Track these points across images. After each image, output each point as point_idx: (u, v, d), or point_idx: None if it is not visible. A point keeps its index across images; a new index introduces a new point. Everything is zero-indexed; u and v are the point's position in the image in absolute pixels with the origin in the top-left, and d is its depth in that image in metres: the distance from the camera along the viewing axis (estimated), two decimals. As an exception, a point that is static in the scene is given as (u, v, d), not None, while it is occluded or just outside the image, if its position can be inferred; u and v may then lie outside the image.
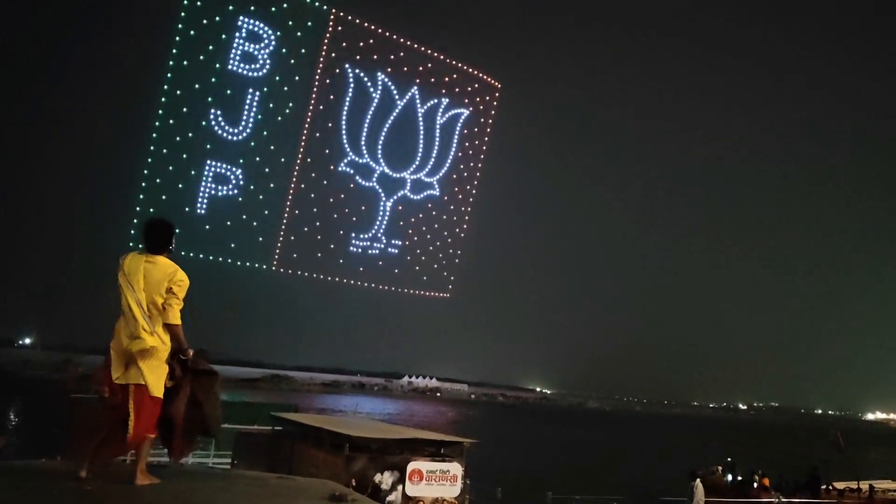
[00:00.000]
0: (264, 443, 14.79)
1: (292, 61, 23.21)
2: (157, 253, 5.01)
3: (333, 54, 23.86)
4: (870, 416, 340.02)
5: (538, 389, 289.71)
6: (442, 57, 26.55)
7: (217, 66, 21.43)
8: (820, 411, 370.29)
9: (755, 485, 22.70)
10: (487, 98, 28.19)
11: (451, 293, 27.71)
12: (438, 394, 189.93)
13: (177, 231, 5.24)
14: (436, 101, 26.68)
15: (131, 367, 4.76)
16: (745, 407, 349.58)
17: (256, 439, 15.27)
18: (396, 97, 25.85)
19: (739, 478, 24.32)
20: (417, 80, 26.13)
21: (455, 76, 27.11)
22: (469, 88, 27.57)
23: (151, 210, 19.40)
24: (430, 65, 26.35)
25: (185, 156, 20.67)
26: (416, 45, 26.00)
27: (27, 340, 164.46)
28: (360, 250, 25.06)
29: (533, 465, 37.70)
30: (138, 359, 4.74)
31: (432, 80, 26.54)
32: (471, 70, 27.52)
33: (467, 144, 27.91)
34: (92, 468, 4.73)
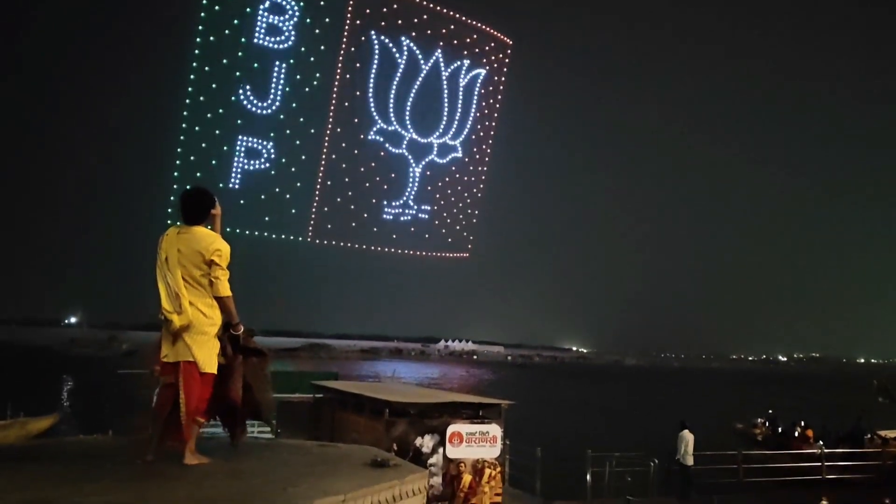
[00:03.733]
0: (306, 411, 15.03)
1: (317, 31, 23.16)
2: (194, 223, 4.83)
3: (358, 21, 23.76)
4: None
5: (575, 349, 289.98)
6: (460, 16, 26.37)
7: (243, 40, 21.52)
8: (862, 360, 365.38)
9: (796, 435, 22.62)
10: (500, 55, 28.06)
11: (472, 253, 27.80)
12: (475, 356, 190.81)
13: (215, 202, 4.92)
14: (458, 63, 26.57)
15: (178, 344, 4.63)
16: (786, 359, 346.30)
17: (298, 408, 15.52)
18: (421, 61, 25.75)
19: (780, 429, 24.21)
20: (441, 43, 26.02)
21: (475, 36, 26.95)
22: (486, 48, 27.46)
23: (187, 187, 19.66)
24: (452, 26, 26.23)
25: (217, 132, 20.93)
26: (436, 7, 25.79)
27: (73, 319, 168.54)
28: (392, 217, 25.19)
29: (570, 424, 37.93)
30: (183, 335, 4.61)
31: (454, 41, 26.41)
32: (485, 27, 27.33)
33: (484, 104, 27.89)
34: (158, 451, 4.64)
